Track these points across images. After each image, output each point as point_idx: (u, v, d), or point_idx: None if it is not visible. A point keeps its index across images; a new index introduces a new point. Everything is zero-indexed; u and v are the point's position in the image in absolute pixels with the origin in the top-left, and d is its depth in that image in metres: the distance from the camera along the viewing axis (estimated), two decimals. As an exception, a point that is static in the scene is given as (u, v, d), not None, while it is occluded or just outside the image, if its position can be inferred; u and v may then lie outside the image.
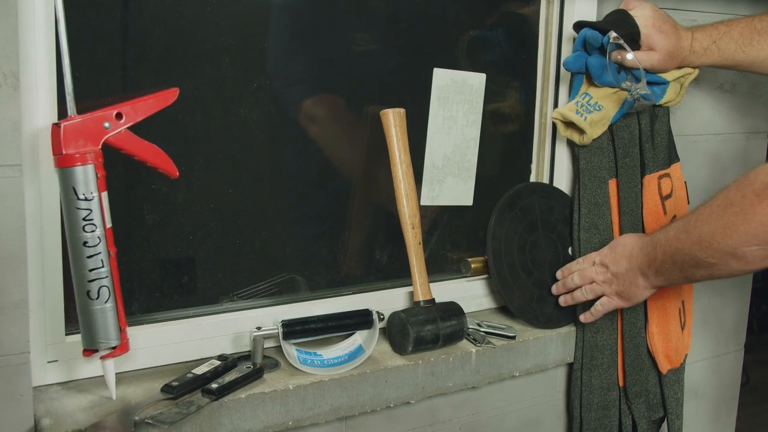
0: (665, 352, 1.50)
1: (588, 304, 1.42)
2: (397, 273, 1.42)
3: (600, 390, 1.48)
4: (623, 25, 1.37)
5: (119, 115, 1.04)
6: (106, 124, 1.03)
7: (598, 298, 1.39)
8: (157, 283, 1.22)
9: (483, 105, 1.46)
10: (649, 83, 1.39)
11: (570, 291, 1.44)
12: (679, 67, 1.44)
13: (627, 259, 1.32)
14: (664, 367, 1.51)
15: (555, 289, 1.46)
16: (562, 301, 1.45)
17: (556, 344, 1.45)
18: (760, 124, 1.76)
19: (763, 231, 1.06)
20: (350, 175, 1.38)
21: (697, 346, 1.73)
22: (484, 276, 1.51)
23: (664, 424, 1.55)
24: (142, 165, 1.09)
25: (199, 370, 1.14)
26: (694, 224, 1.16)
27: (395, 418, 1.33)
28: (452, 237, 1.51)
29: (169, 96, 1.09)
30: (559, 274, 1.47)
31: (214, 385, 1.11)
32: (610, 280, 1.36)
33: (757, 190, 1.06)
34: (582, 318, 1.44)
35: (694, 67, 1.46)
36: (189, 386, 1.11)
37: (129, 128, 1.05)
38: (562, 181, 1.56)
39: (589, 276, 1.39)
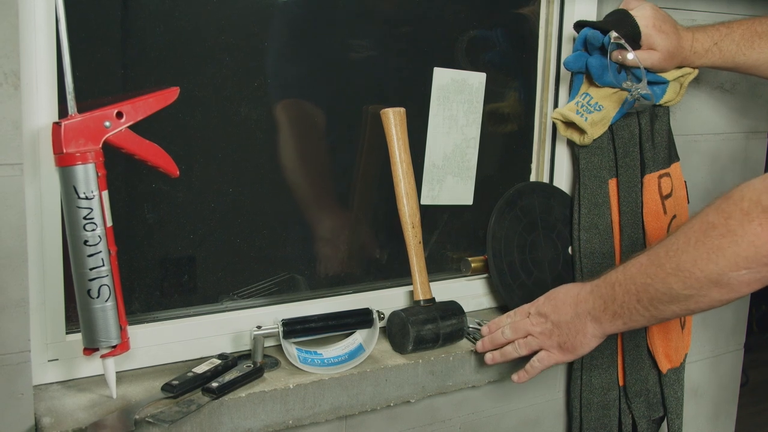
0: (665, 351, 1.50)
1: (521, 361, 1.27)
2: (397, 272, 1.42)
3: (600, 389, 1.48)
4: (624, 24, 1.37)
5: (120, 114, 1.04)
6: (107, 123, 1.03)
7: (534, 354, 1.25)
8: (157, 282, 1.22)
9: (483, 105, 1.46)
10: (649, 83, 1.39)
11: (499, 347, 1.28)
12: (679, 67, 1.44)
13: (572, 306, 1.19)
14: (664, 366, 1.51)
15: (480, 345, 1.30)
16: (489, 358, 1.28)
17: (556, 343, 1.45)
18: (760, 124, 1.76)
19: (754, 252, 0.98)
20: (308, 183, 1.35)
21: (696, 346, 1.73)
22: (484, 275, 1.51)
23: (664, 424, 1.55)
24: (142, 164, 1.09)
25: (200, 369, 1.14)
26: (667, 255, 1.06)
27: (395, 417, 1.33)
28: (452, 236, 1.51)
29: (169, 95, 1.09)
30: (485, 329, 1.31)
31: (215, 384, 1.11)
32: (550, 331, 1.22)
33: (746, 208, 0.98)
34: (515, 378, 1.28)
35: (694, 68, 1.46)
36: (189, 385, 1.11)
37: (129, 127, 1.05)
38: (562, 181, 1.56)
39: (524, 328, 1.24)
